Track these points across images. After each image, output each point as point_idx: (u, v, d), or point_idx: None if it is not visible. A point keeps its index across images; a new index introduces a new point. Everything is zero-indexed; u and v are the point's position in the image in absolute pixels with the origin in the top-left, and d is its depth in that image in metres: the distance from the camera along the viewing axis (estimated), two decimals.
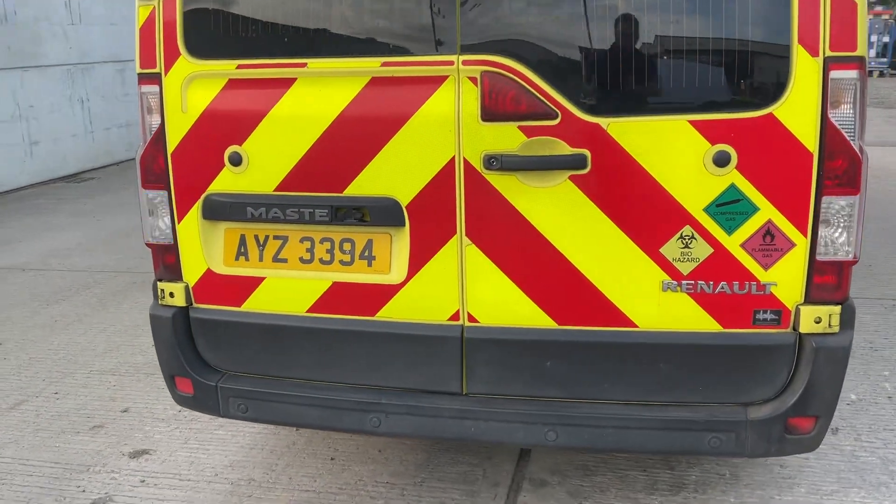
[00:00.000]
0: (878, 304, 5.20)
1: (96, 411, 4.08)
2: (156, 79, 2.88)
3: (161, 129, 2.91)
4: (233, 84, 2.81)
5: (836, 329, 2.59)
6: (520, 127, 2.59)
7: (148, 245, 3.06)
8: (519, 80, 2.55)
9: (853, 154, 2.46)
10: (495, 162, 2.61)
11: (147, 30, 2.85)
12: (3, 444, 3.77)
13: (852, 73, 2.43)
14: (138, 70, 2.90)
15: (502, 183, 2.64)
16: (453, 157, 2.65)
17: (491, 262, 2.71)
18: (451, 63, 2.59)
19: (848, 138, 2.46)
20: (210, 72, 2.81)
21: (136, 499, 3.30)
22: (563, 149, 2.58)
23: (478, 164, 2.63)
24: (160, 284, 3.07)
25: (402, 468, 3.43)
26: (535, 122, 2.57)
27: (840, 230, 2.53)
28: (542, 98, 2.55)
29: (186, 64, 2.83)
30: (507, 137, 2.60)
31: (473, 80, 2.58)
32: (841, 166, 2.48)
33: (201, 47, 2.81)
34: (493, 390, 2.82)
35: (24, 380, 4.50)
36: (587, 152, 2.56)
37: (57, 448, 3.73)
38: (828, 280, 2.57)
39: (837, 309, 2.58)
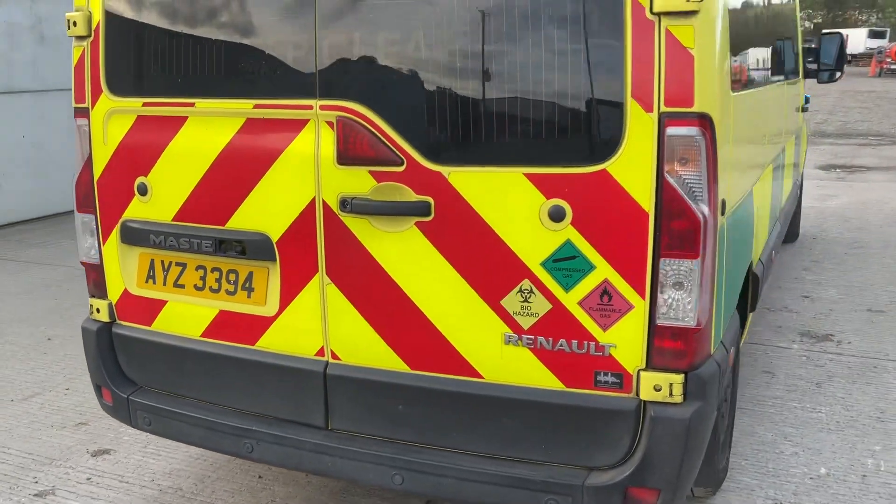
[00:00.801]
0: None
1: (89, 409, 4.44)
2: (85, 113, 3.15)
3: (90, 158, 3.19)
4: (140, 120, 3.03)
5: (679, 399, 2.44)
6: (370, 171, 2.64)
7: (81, 263, 3.34)
8: (369, 127, 2.61)
9: (692, 216, 2.33)
10: (348, 205, 2.67)
11: (79, 68, 3.13)
12: None
13: (691, 130, 2.31)
14: (73, 104, 3.19)
15: (356, 225, 2.70)
16: (314, 197, 2.74)
17: (349, 303, 2.77)
18: (311, 108, 2.68)
19: (687, 199, 2.34)
20: (124, 108, 3.05)
21: (74, 494, 3.58)
22: (409, 195, 2.60)
23: (335, 206, 2.71)
24: (90, 300, 3.34)
25: (317, 494, 3.52)
26: (383, 168, 2.62)
27: (680, 295, 2.39)
28: (389, 145, 2.59)
29: (107, 100, 3.08)
30: (360, 181, 2.66)
31: (330, 124, 2.66)
32: (678, 228, 2.35)
33: (118, 85, 3.06)
34: (355, 428, 2.86)
35: (50, 374, 4.96)
36: (431, 200, 2.58)
37: (38, 440, 4.10)
38: (668, 346, 2.44)
39: (680, 378, 2.44)
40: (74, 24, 3.08)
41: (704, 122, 2.32)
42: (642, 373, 2.46)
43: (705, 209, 2.36)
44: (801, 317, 5.73)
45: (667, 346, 2.44)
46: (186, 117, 2.93)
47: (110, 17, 3.02)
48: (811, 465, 3.69)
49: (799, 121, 6.22)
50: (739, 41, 2.87)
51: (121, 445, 4.01)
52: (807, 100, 7.48)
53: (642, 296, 2.42)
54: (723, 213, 2.52)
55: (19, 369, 5.03)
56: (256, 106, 2.78)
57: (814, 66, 6.92)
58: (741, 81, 2.88)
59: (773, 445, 3.88)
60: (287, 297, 2.86)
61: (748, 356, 4.98)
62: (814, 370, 4.78)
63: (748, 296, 3.62)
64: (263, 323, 2.93)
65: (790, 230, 7.51)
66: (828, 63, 6.78)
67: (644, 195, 2.36)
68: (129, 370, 3.29)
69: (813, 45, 7.01)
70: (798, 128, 6.17)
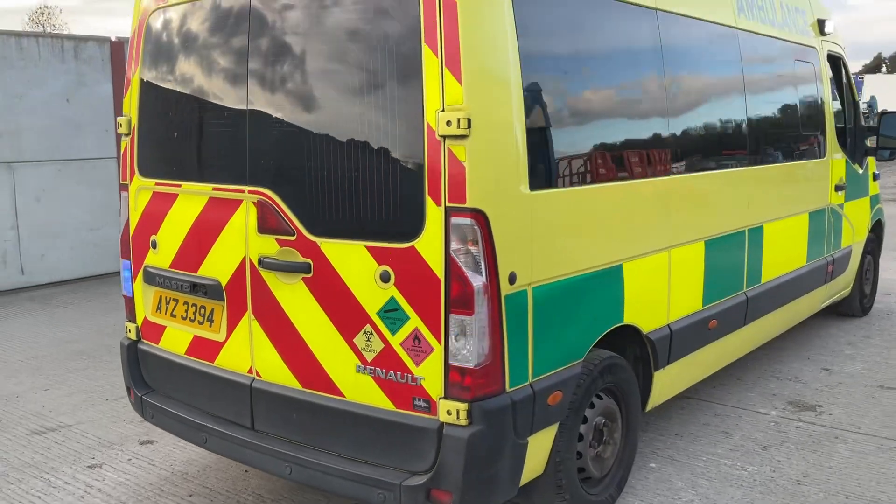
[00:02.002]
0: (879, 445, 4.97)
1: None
2: (126, 188, 4.40)
3: (128, 221, 4.42)
4: (155, 194, 4.22)
5: (465, 423, 3.19)
6: (276, 239, 3.63)
7: (123, 296, 4.57)
8: (275, 207, 3.61)
9: (468, 284, 3.12)
10: (262, 262, 3.67)
11: (123, 156, 4.39)
12: (62, 413, 5.52)
13: (466, 221, 3.11)
14: (120, 181, 4.45)
15: (268, 277, 3.69)
16: (245, 255, 3.76)
17: (265, 335, 3.75)
18: (243, 192, 3.73)
19: (465, 271, 3.12)
20: (146, 186, 4.26)
21: (114, 469, 4.77)
22: (298, 257, 3.56)
23: (256, 263, 3.72)
24: (126, 323, 4.55)
25: (279, 485, 4.48)
26: (283, 237, 3.60)
27: (464, 342, 3.16)
28: (286, 220, 3.57)
29: (137, 179, 4.31)
30: (270, 246, 3.65)
31: (254, 203, 3.69)
32: (458, 293, 3.14)
33: (144, 169, 4.28)
34: (269, 429, 3.81)
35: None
36: (310, 261, 3.52)
37: (110, 430, 5.36)
38: (457, 380, 3.20)
39: (465, 406, 3.19)
40: (121, 125, 4.34)
41: (478, 215, 3.10)
42: (441, 400, 3.24)
43: (480, 280, 3.12)
44: (803, 387, 5.99)
45: (456, 380, 3.20)
46: (177, 195, 4.07)
47: (140, 123, 4.25)
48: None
49: (827, 198, 6.49)
50: (562, 148, 3.59)
51: (163, 438, 5.17)
52: (876, 176, 7.64)
53: (439, 341, 3.21)
54: (512, 283, 3.25)
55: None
56: (214, 189, 3.86)
57: (873, 145, 7.16)
58: (565, 180, 3.58)
59: (677, 492, 4.37)
60: (231, 327, 3.89)
61: (716, 416, 5.40)
62: (772, 435, 5.12)
63: (648, 355, 4.22)
64: (218, 346, 3.97)
65: (852, 305, 7.63)
66: (890, 139, 7.00)
67: (438, 267, 3.17)
68: (146, 376, 4.44)
69: (872, 123, 7.23)
70: (825, 205, 6.44)
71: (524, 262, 3.32)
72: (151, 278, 4.28)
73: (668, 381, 4.55)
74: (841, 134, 7.03)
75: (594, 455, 3.99)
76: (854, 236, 7.23)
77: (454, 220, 3.12)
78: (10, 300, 9.26)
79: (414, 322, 3.26)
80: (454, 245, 3.13)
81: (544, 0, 3.51)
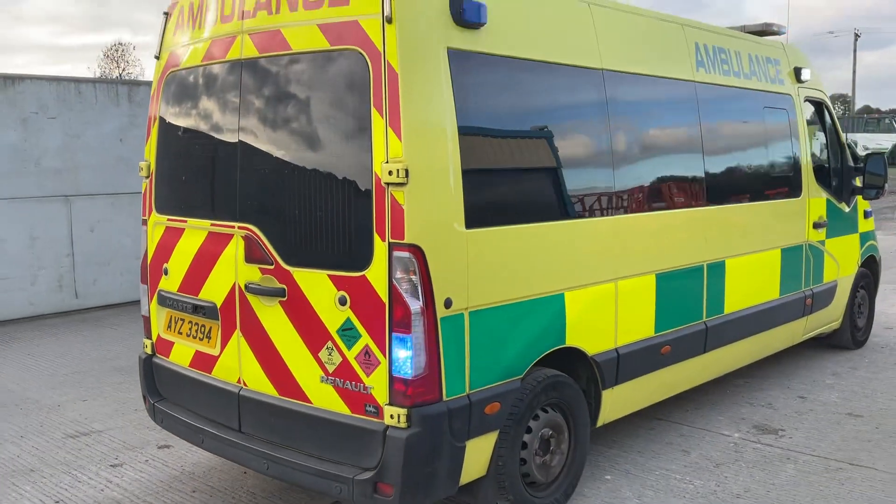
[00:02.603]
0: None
1: None
2: (145, 223, 5.12)
3: (146, 251, 5.13)
4: (167, 229, 4.92)
5: (404, 426, 3.76)
6: (259, 268, 4.28)
7: (142, 316, 5.27)
8: (258, 240, 4.26)
9: (406, 308, 3.70)
10: (248, 288, 4.32)
11: (144, 195, 5.11)
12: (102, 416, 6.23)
13: (405, 254, 3.70)
14: (141, 217, 5.17)
15: (253, 301, 4.33)
16: (234, 282, 4.42)
17: (250, 349, 4.39)
18: (233, 227, 4.39)
19: (404, 296, 3.71)
20: (160, 221, 4.96)
21: (132, 468, 5.44)
22: (275, 283, 4.20)
23: (243, 288, 4.37)
24: (143, 340, 5.24)
25: (272, 485, 5.09)
26: (264, 266, 4.24)
27: (403, 357, 3.74)
28: (266, 252, 4.22)
29: (154, 215, 5.02)
30: (254, 273, 4.30)
31: (242, 237, 4.35)
32: (398, 315, 3.73)
33: (159, 207, 4.99)
34: (252, 431, 4.43)
35: None
36: (285, 287, 4.15)
37: (135, 435, 6.05)
38: (398, 389, 3.78)
39: (405, 411, 3.76)
40: (141, 169, 5.07)
41: (415, 249, 3.69)
42: (386, 406, 3.81)
43: (418, 304, 3.71)
44: (773, 413, 6.37)
45: (397, 389, 3.78)
46: (184, 229, 4.76)
47: (156, 168, 4.98)
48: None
49: (804, 235, 6.89)
50: (496, 193, 4.15)
51: (179, 444, 5.83)
52: (867, 214, 8.00)
53: (385, 356, 3.80)
54: (448, 307, 3.82)
55: None
56: (212, 224, 4.54)
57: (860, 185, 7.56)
58: (499, 220, 4.13)
59: (623, 500, 4.83)
60: (223, 343, 4.54)
61: (680, 436, 5.83)
62: (728, 454, 5.54)
63: (595, 375, 4.74)
64: (213, 359, 4.62)
65: (843, 337, 7.96)
66: (876, 178, 7.41)
67: (384, 292, 3.77)
68: (159, 386, 5.11)
69: (859, 164, 7.63)
70: (802, 241, 6.85)
71: (460, 290, 3.89)
72: (164, 300, 4.96)
73: (619, 400, 5.04)
74: (825, 174, 7.43)
75: (540, 463, 4.50)
76: (840, 271, 7.57)
77: (396, 253, 3.72)
78: (65, 321, 10.14)
79: (365, 339, 3.86)
80: (396, 274, 3.73)
81: (482, 65, 4.10)
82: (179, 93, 4.81)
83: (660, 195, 5.32)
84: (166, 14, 4.94)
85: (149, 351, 5.16)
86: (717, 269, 5.80)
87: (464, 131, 3.92)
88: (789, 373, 7.47)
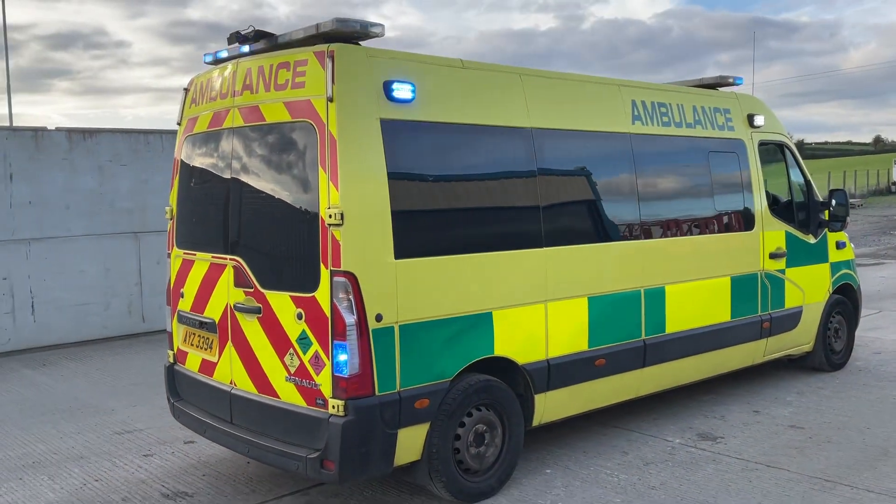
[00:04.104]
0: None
1: None
2: (169, 255, 6.35)
3: (169, 279, 6.35)
4: (183, 260, 6.13)
5: (342, 414, 4.80)
6: (243, 291, 5.42)
7: (167, 332, 6.48)
8: (243, 269, 5.40)
9: (343, 321, 4.76)
10: (236, 307, 5.47)
11: (169, 233, 6.35)
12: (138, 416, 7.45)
13: (342, 279, 4.78)
14: (167, 251, 6.41)
15: (241, 317, 5.47)
16: (227, 302, 5.58)
17: (238, 357, 5.52)
18: (226, 258, 5.56)
19: (342, 312, 4.77)
20: (178, 254, 6.18)
21: (159, 458, 6.62)
22: (254, 303, 5.33)
23: (233, 307, 5.52)
24: (167, 351, 6.45)
25: (267, 472, 6.18)
26: (246, 289, 5.38)
27: (342, 360, 4.79)
28: (249, 278, 5.36)
29: (175, 249, 6.25)
30: (240, 295, 5.44)
31: (232, 266, 5.50)
32: (338, 326, 4.79)
33: (178, 242, 6.21)
34: (240, 423, 5.54)
35: None
36: (261, 306, 5.28)
37: (167, 432, 7.24)
38: (338, 385, 4.82)
39: (342, 402, 4.80)
40: (167, 212, 6.32)
41: (349, 275, 4.76)
42: (329, 399, 4.86)
43: (352, 318, 4.76)
44: (721, 423, 7.13)
45: (337, 385, 4.82)
46: (194, 260, 5.96)
47: (177, 211, 6.21)
48: (556, 501, 5.50)
49: (759, 264, 7.65)
50: (423, 230, 5.14)
51: (202, 440, 6.99)
52: (839, 245, 8.67)
53: (329, 359, 4.86)
54: (378, 321, 4.86)
55: None
56: (213, 257, 5.72)
57: (825, 217, 8.28)
58: (426, 251, 5.14)
59: (551, 488, 5.71)
60: (220, 352, 5.69)
61: (626, 441, 6.66)
62: (661, 455, 6.35)
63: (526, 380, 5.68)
64: (214, 365, 5.77)
65: (816, 359, 8.62)
66: (840, 210, 8.17)
67: (328, 309, 4.84)
68: (178, 389, 6.29)
69: (823, 200, 8.35)
70: (756, 270, 7.61)
71: (389, 307, 4.92)
72: (181, 319, 6.16)
73: (553, 404, 5.95)
74: (786, 209, 8.18)
75: (475, 453, 5.45)
76: (806, 298, 8.26)
77: (335, 278, 4.79)
78: (132, 342, 11.57)
79: (315, 346, 4.93)
80: (335, 295, 4.79)
81: (412, 130, 5.15)
82: (192, 152, 6.04)
83: (590, 230, 6.24)
84: (185, 90, 6.19)
85: (171, 360, 6.35)
86: (656, 294, 6.65)
87: (394, 182, 4.98)
88: (756, 391, 8.16)
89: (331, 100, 4.81)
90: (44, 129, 11.16)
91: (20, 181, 10.84)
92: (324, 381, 4.90)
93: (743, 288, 7.50)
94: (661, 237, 6.77)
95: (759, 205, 7.74)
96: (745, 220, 7.61)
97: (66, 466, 6.45)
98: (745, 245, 7.59)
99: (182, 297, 6.11)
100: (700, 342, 7.09)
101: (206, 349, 5.86)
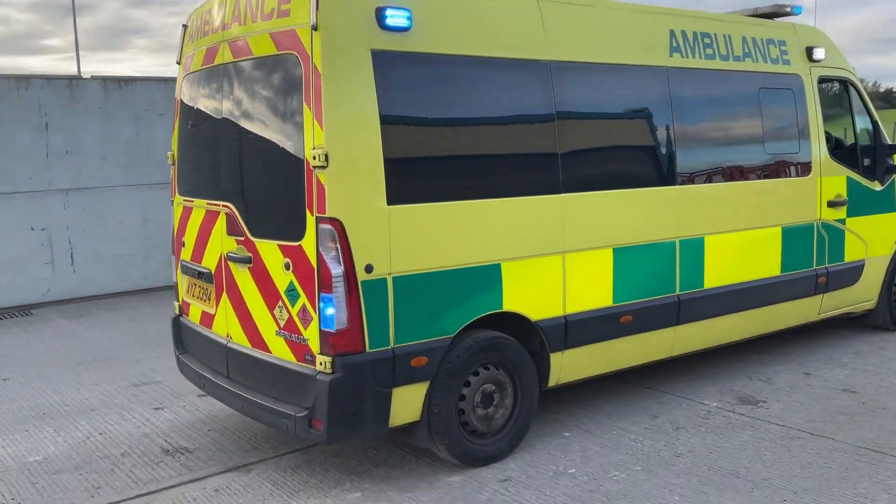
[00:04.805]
0: None
1: None
2: (171, 203, 6.07)
3: (174, 228, 6.08)
4: (184, 208, 5.83)
5: (329, 371, 4.46)
6: (235, 239, 5.09)
7: (173, 282, 6.23)
8: (234, 215, 5.07)
9: (328, 272, 4.39)
10: (229, 256, 5.15)
11: (172, 180, 6.07)
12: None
13: (327, 226, 4.39)
14: (170, 198, 6.13)
15: (233, 267, 5.15)
16: (221, 251, 5.26)
17: (232, 308, 5.22)
18: (219, 205, 5.23)
19: (327, 262, 4.39)
20: (180, 201, 5.89)
21: (171, 411, 6.43)
22: (245, 252, 4.99)
23: (225, 256, 5.20)
24: (174, 302, 6.21)
25: (272, 432, 5.92)
26: (237, 237, 5.05)
27: (328, 313, 4.43)
28: (240, 225, 5.02)
29: (178, 197, 5.96)
30: (232, 244, 5.12)
31: (225, 213, 5.17)
32: (323, 277, 4.42)
33: (180, 189, 5.91)
34: (237, 377, 5.26)
35: None
36: (251, 255, 4.94)
37: (183, 386, 7.08)
38: (325, 341, 4.47)
39: (330, 359, 4.45)
40: (169, 158, 6.02)
41: (335, 222, 4.36)
42: (317, 355, 4.52)
43: (339, 269, 4.37)
44: (766, 386, 6.56)
45: (325, 340, 4.47)
46: (192, 207, 5.66)
47: (178, 157, 5.90)
48: (569, 468, 5.08)
49: (815, 213, 6.98)
50: (424, 173, 4.71)
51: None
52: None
53: (316, 312, 4.50)
54: (369, 272, 4.46)
55: None
56: (208, 203, 5.40)
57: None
58: (425, 197, 4.69)
59: (566, 453, 5.29)
60: (217, 303, 5.39)
61: (658, 403, 6.18)
62: (693, 420, 5.85)
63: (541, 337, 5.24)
64: (212, 317, 5.49)
65: (879, 317, 7.93)
66: None
67: (314, 259, 4.47)
68: (183, 341, 6.06)
69: (892, 143, 7.59)
70: (811, 220, 6.95)
71: (382, 258, 4.52)
72: (184, 269, 5.89)
73: (571, 364, 5.49)
74: (850, 153, 7.43)
75: (482, 414, 5.05)
76: (868, 251, 7.54)
77: (320, 226, 4.41)
78: (170, 293, 11.46)
79: (303, 299, 4.58)
80: (321, 244, 4.41)
81: (408, 63, 4.67)
82: (188, 93, 5.70)
83: (615, 175, 5.68)
84: (184, 26, 5.83)
85: (177, 312, 6.11)
86: (694, 246, 6.08)
87: (387, 120, 4.53)
88: (809, 350, 7.54)
89: (315, 28, 4.37)
90: (78, 78, 11.02)
91: (56, 131, 10.75)
92: (311, 335, 4.56)
93: (796, 239, 6.85)
94: (700, 183, 6.16)
95: (817, 147, 7.03)
96: (800, 165, 6.92)
97: (74, 419, 6.32)
98: (800, 192, 6.91)
99: (183, 245, 5.83)
100: (745, 298, 6.51)
101: (205, 300, 5.58)
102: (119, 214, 11.36)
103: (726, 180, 6.37)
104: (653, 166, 5.91)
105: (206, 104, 5.43)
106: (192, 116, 5.68)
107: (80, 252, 11.07)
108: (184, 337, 6.01)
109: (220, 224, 5.22)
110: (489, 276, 4.99)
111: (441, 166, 4.87)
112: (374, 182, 4.50)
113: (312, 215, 4.44)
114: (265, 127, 4.84)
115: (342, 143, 4.40)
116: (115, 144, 11.23)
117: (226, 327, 5.31)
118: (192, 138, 5.68)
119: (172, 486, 5.02)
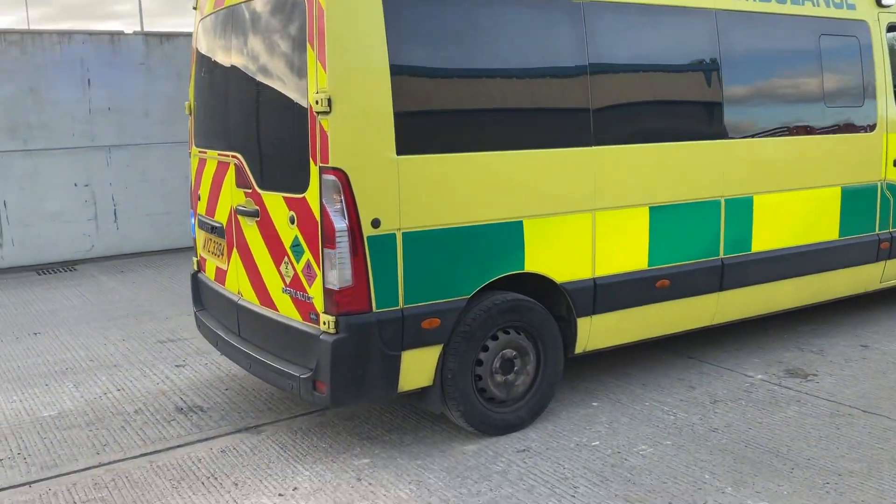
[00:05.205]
0: None
1: None
2: (189, 155, 5.86)
3: (191, 181, 5.88)
4: (199, 160, 5.62)
5: (332, 331, 4.20)
6: (244, 192, 4.85)
7: (192, 237, 6.05)
8: (242, 166, 4.82)
9: (331, 226, 4.11)
10: (238, 210, 4.91)
11: (189, 131, 5.85)
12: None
13: (330, 177, 4.10)
14: (189, 150, 5.92)
15: (242, 221, 4.92)
16: (231, 204, 5.03)
17: (241, 264, 4.99)
18: (229, 156, 4.99)
19: (331, 216, 4.11)
20: (196, 153, 5.67)
21: (204, 367, 6.31)
22: (252, 205, 4.75)
23: (234, 209, 4.97)
24: (193, 258, 6.03)
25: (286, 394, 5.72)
26: (246, 190, 4.81)
27: (331, 270, 4.16)
28: (248, 177, 4.78)
29: (194, 149, 5.74)
30: (241, 197, 4.88)
31: (235, 164, 4.93)
32: (326, 232, 4.15)
33: (196, 140, 5.70)
34: (247, 336, 5.05)
35: None
36: (258, 208, 4.70)
37: (203, 344, 6.95)
38: (329, 299, 4.20)
39: (333, 318, 4.19)
40: (185, 107, 5.80)
41: (339, 173, 4.07)
42: (321, 314, 4.26)
43: (343, 223, 4.09)
44: (819, 359, 6.09)
45: (329, 299, 4.20)
46: (206, 159, 5.43)
47: (194, 107, 5.67)
48: (594, 440, 4.75)
49: (880, 173, 6.42)
50: (440, 121, 4.38)
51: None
52: None
53: (319, 268, 4.23)
54: (376, 227, 4.16)
55: None
56: (219, 154, 5.17)
57: None
58: (442, 146, 4.36)
59: (592, 424, 4.95)
60: (228, 259, 5.18)
61: (699, 374, 5.78)
62: (735, 393, 5.44)
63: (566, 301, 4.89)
64: (224, 273, 5.29)
65: None
66: None
67: (317, 212, 4.19)
68: (201, 298, 5.88)
69: None
70: (876, 180, 6.40)
71: (391, 212, 4.21)
72: (200, 223, 5.69)
73: (600, 330, 5.13)
74: None
75: (501, 381, 4.74)
76: None
77: (323, 176, 4.12)
78: None
79: (307, 254, 4.32)
80: (325, 196, 4.13)
81: (418, 2, 4.33)
82: (203, 38, 5.45)
83: (654, 127, 5.25)
84: None
85: (195, 268, 5.93)
86: (741, 205, 5.62)
87: (398, 62, 4.19)
88: (869, 321, 7.01)
89: None
90: (120, 34, 10.92)
91: (98, 87, 10.70)
92: (316, 293, 4.30)
93: (857, 201, 6.31)
94: (749, 138, 5.68)
95: (884, 101, 6.44)
96: (864, 120, 6.34)
97: (95, 374, 6.23)
98: (863, 149, 6.35)
99: (199, 199, 5.63)
100: (797, 264, 6.02)
101: (218, 256, 5.38)
102: (161, 171, 11.29)
103: (780, 135, 5.86)
104: (697, 118, 5.46)
105: (217, 50, 5.17)
106: (205, 64, 5.43)
107: (123, 209, 11.07)
108: (201, 294, 5.83)
109: (230, 176, 4.99)
110: (510, 235, 4.65)
111: (458, 114, 4.53)
112: (383, 130, 4.18)
113: (316, 165, 4.15)
114: (271, 72, 4.56)
115: (347, 87, 4.09)
116: (157, 101, 11.14)
117: (237, 284, 5.10)
118: (206, 86, 5.45)
119: (179, 446, 4.86)
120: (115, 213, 11.03)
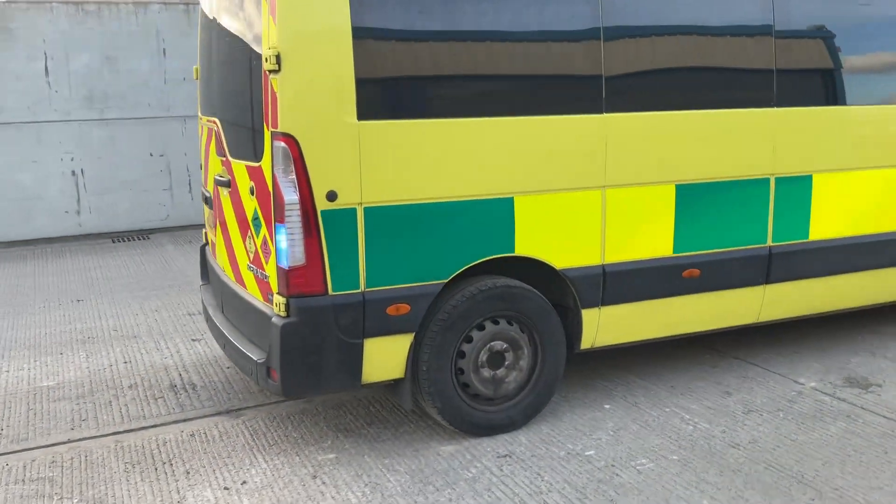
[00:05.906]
0: None
1: None
2: (197, 122, 5.62)
3: (200, 150, 5.64)
4: (203, 127, 5.36)
5: (283, 314, 3.82)
6: (221, 160, 4.53)
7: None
8: (219, 132, 4.51)
9: (281, 198, 3.72)
10: (215, 180, 4.61)
11: (197, 98, 5.61)
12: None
13: (280, 144, 3.70)
14: (198, 115, 5.68)
15: (220, 192, 4.61)
16: (213, 174, 4.73)
17: (222, 236, 4.69)
18: (214, 121, 4.68)
19: (281, 186, 3.73)
20: (201, 120, 5.42)
21: (206, 343, 6.12)
22: (226, 175, 4.43)
23: (214, 180, 4.67)
24: (203, 230, 5.81)
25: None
26: (222, 158, 4.49)
27: (283, 247, 3.78)
28: (223, 145, 4.46)
29: (200, 116, 5.49)
30: (218, 166, 4.57)
31: (214, 131, 4.63)
32: (277, 203, 3.76)
33: (202, 109, 5.43)
34: (229, 315, 4.76)
35: None
36: (230, 178, 4.37)
37: None
38: (281, 279, 3.83)
39: (284, 300, 3.81)
40: (193, 72, 5.55)
41: (289, 139, 3.66)
42: (274, 295, 3.89)
43: (293, 195, 3.69)
44: (889, 366, 5.25)
45: (280, 278, 3.82)
46: (203, 126, 5.16)
47: (199, 73, 5.41)
48: (589, 448, 4.19)
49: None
50: (412, 81, 3.90)
51: None
52: None
53: (274, 244, 3.86)
54: (331, 200, 3.73)
55: None
56: (208, 120, 4.87)
57: None
58: (413, 111, 3.86)
59: (594, 430, 4.38)
60: (214, 231, 4.90)
61: (740, 378, 5.07)
62: (777, 403, 4.72)
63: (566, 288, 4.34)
64: (215, 246, 5.02)
65: None
66: None
67: (269, 181, 3.81)
68: (207, 272, 5.66)
69: None
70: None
71: (350, 184, 3.77)
72: (203, 197, 5.45)
73: (611, 324, 4.52)
74: None
75: (488, 376, 4.25)
76: None
77: (274, 143, 3.73)
78: None
79: (264, 229, 3.95)
80: (275, 164, 3.74)
81: None
82: (205, 9, 5.16)
83: (684, 91, 4.55)
84: None
85: (204, 240, 5.71)
86: (796, 184, 4.84)
87: (359, 13, 3.73)
88: None
89: None
90: (196, 3, 10.89)
91: (173, 57, 10.73)
92: (271, 271, 3.94)
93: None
94: (807, 105, 4.87)
95: None
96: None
97: (111, 345, 6.14)
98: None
99: (201, 168, 5.38)
100: (865, 255, 5.18)
101: (212, 228, 5.11)
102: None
103: (846, 104, 5.01)
104: (741, 81, 4.70)
105: (211, 10, 4.86)
106: (204, 27, 5.14)
107: (197, 180, 11.10)
108: (206, 268, 5.60)
109: (213, 144, 4.69)
110: (497, 212, 4.12)
111: (432, 67, 4.00)
112: (341, 90, 3.73)
113: (269, 129, 3.76)
114: (239, 31, 4.21)
115: (299, 41, 3.66)
116: None
117: (221, 259, 4.81)
118: (204, 54, 5.16)
119: (153, 426, 4.64)
120: (189, 184, 11.09)
